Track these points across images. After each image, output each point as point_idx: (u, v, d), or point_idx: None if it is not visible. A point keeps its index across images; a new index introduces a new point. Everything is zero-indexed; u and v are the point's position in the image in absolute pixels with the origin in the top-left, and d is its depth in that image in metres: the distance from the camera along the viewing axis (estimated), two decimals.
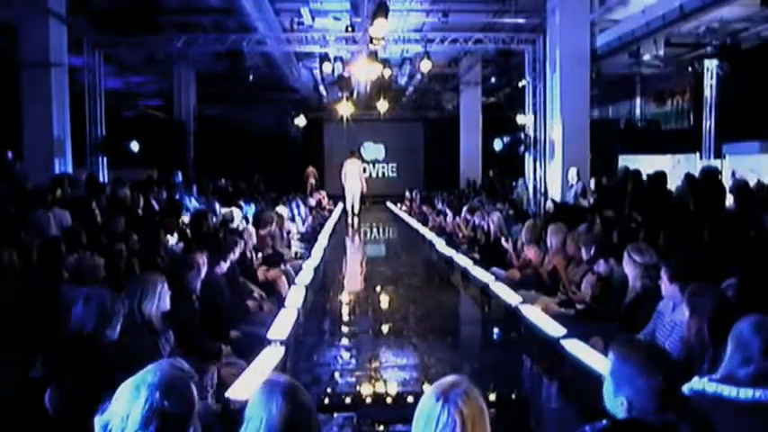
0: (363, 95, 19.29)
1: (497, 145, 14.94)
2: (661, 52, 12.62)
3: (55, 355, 3.06)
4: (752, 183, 8.34)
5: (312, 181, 21.31)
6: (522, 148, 13.64)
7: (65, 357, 3.04)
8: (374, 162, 24.36)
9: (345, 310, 7.27)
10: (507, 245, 7.62)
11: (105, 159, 12.89)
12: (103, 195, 9.25)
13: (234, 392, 3.49)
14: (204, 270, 4.60)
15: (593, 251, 5.54)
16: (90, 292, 3.22)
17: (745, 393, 2.35)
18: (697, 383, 2.47)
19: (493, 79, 18.15)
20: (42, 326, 3.63)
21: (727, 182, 8.71)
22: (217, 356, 4.11)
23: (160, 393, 1.85)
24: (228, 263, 5.47)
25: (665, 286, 3.97)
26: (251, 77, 13.41)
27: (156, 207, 9.71)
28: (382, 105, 18.75)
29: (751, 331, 2.46)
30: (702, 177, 7.66)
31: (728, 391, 2.38)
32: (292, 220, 11.73)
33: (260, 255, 7.38)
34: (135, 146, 13.36)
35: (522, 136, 13.65)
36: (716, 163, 11.77)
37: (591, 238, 5.96)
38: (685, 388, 2.46)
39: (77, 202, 8.18)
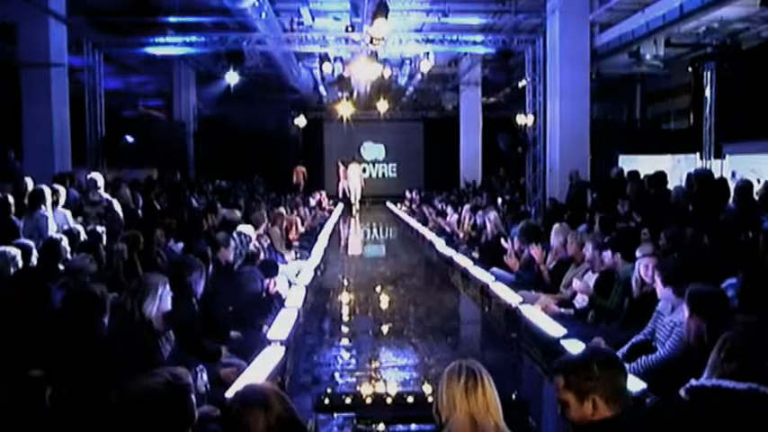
0: (363, 95, 19.30)
1: (501, 140, 14.88)
2: (661, 52, 12.62)
3: (54, 351, 3.08)
4: (755, 182, 8.32)
5: (300, 180, 21.45)
6: (521, 148, 13.66)
7: (62, 350, 3.06)
8: (374, 162, 24.38)
9: (345, 310, 7.27)
10: (507, 245, 7.62)
11: (105, 159, 12.89)
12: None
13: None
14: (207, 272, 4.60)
15: (604, 240, 5.58)
16: (77, 285, 3.26)
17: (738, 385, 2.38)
18: (694, 382, 2.50)
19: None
20: (40, 326, 3.62)
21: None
22: (216, 357, 4.11)
23: None
24: None
25: (660, 290, 3.99)
26: (233, 85, 13.43)
27: (158, 207, 9.72)
28: (382, 105, 18.75)
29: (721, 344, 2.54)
30: (697, 181, 7.67)
31: (726, 383, 2.41)
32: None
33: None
34: (130, 139, 13.34)
35: (522, 136, 13.67)
36: (716, 163, 11.76)
37: (596, 236, 5.98)
38: (682, 390, 2.48)
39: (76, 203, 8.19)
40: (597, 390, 2.10)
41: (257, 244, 7.08)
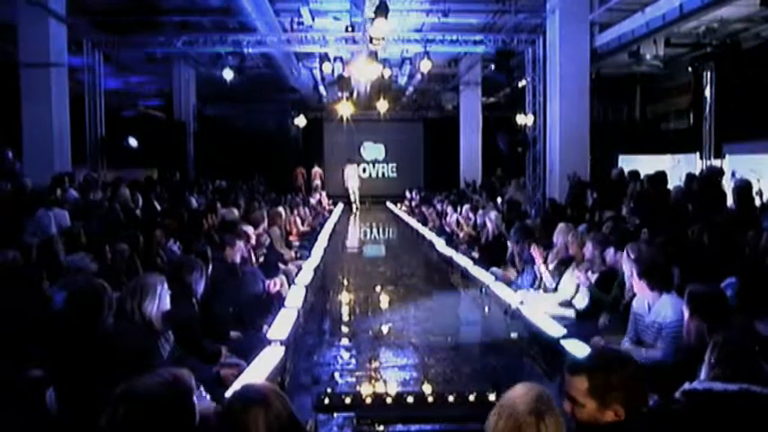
0: (363, 95, 19.29)
1: (501, 140, 14.91)
2: (661, 52, 12.61)
3: (54, 350, 3.07)
4: (755, 182, 8.32)
5: (301, 181, 21.53)
6: (521, 148, 13.66)
7: (63, 349, 3.05)
8: (374, 162, 24.40)
9: (345, 310, 7.27)
10: (511, 245, 7.57)
11: (105, 159, 12.89)
12: (103, 195, 9.26)
13: None
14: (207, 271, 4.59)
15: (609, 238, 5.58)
16: (78, 282, 3.24)
17: (729, 387, 2.41)
18: (687, 385, 2.53)
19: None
20: (38, 326, 3.63)
21: (727, 182, 8.70)
22: (216, 357, 4.11)
23: None
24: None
25: (636, 283, 4.00)
26: (232, 84, 13.43)
27: (158, 207, 9.72)
28: (382, 105, 18.76)
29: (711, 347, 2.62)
30: (704, 177, 7.67)
31: (717, 386, 2.44)
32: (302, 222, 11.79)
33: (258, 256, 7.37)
34: (133, 142, 13.35)
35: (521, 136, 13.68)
36: (716, 163, 11.76)
37: (597, 234, 5.98)
38: (677, 393, 2.50)
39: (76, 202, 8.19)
40: (620, 399, 2.06)
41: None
